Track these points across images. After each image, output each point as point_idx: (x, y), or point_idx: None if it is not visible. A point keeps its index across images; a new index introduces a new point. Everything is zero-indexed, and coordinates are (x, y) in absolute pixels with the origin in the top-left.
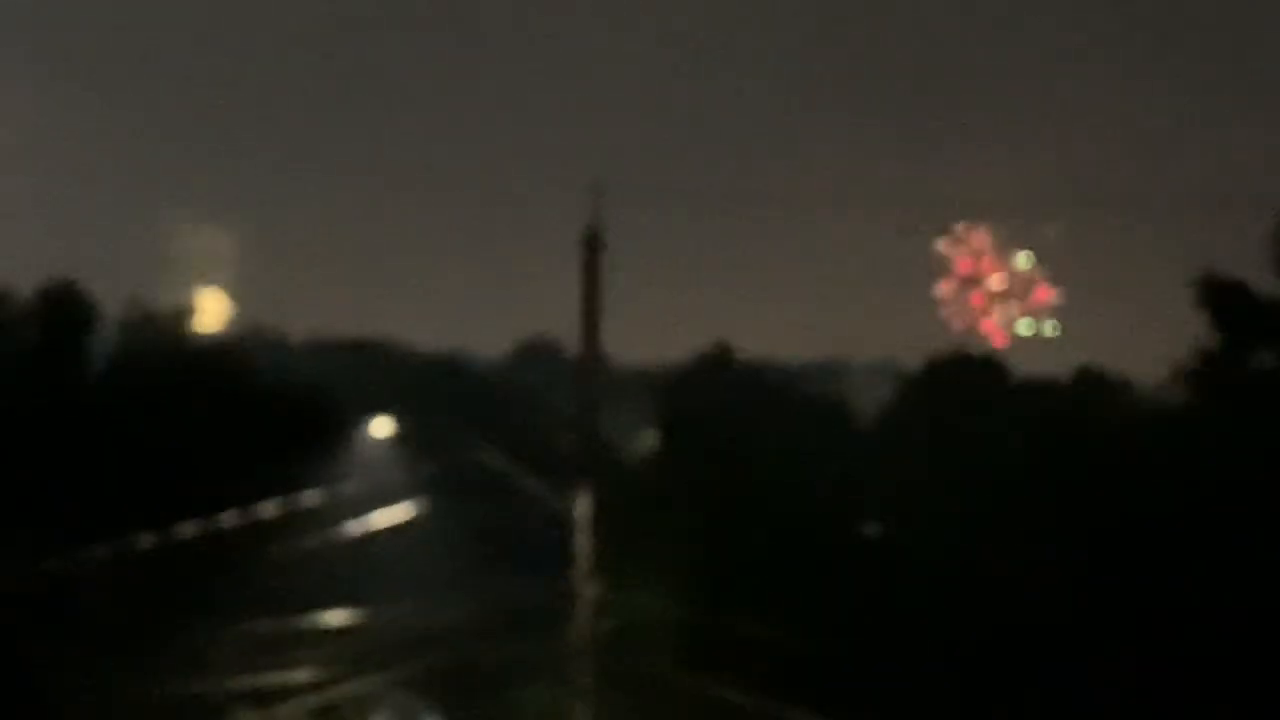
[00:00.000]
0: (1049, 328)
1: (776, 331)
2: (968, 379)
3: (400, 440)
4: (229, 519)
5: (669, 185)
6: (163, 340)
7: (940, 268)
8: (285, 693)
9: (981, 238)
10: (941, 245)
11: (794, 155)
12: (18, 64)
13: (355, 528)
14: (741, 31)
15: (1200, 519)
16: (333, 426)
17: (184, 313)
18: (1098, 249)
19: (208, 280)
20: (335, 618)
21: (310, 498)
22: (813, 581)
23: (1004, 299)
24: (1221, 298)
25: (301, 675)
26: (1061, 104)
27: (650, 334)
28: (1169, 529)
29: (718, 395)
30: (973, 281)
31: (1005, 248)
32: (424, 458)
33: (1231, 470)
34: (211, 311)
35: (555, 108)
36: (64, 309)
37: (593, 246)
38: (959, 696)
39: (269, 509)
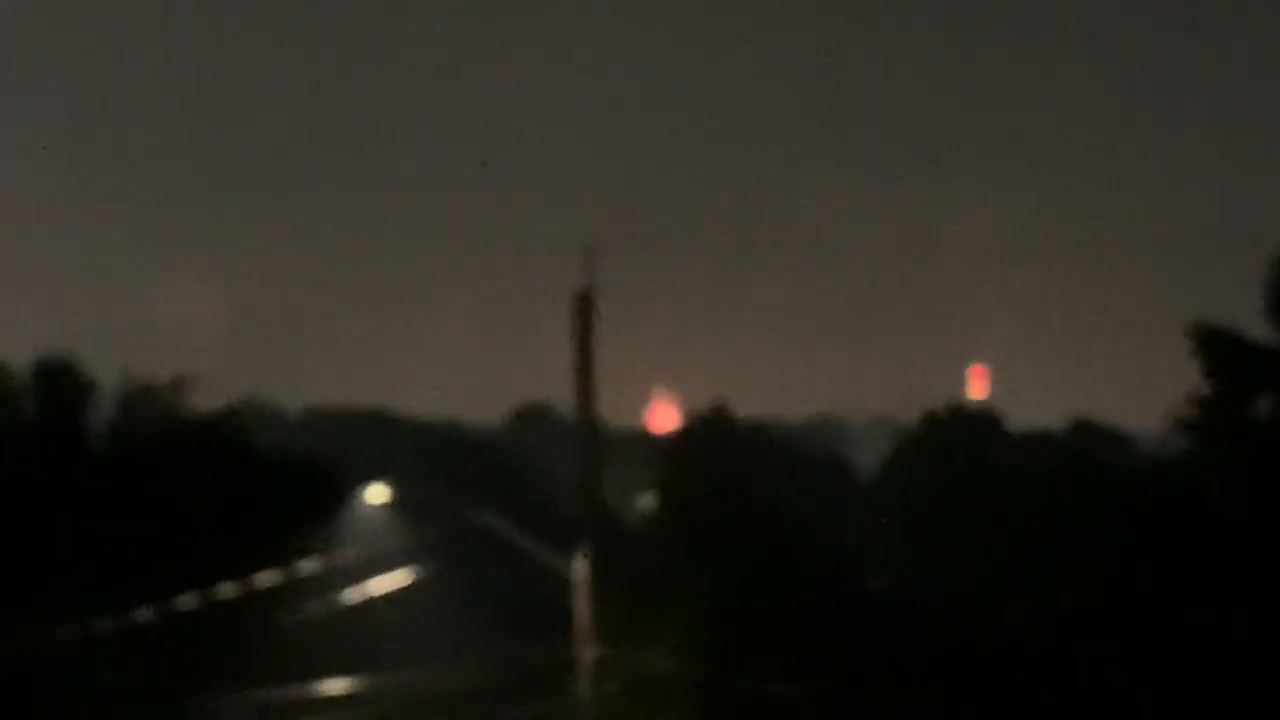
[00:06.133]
0: None
1: (773, 389)
2: (964, 433)
3: (398, 507)
4: (228, 589)
5: (660, 244)
6: (159, 412)
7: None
8: None
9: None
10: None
11: (788, 210)
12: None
13: (355, 595)
14: (733, 85)
15: (1202, 568)
16: (330, 495)
17: (180, 384)
18: (1090, 296)
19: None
20: (336, 686)
21: (309, 566)
22: (817, 637)
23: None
24: (1216, 345)
25: None
26: (1052, 151)
27: (647, 394)
28: (1171, 579)
29: (716, 455)
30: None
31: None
32: (422, 523)
33: (1233, 519)
34: None
35: (542, 167)
36: (60, 382)
37: (585, 307)
38: None
39: (268, 578)
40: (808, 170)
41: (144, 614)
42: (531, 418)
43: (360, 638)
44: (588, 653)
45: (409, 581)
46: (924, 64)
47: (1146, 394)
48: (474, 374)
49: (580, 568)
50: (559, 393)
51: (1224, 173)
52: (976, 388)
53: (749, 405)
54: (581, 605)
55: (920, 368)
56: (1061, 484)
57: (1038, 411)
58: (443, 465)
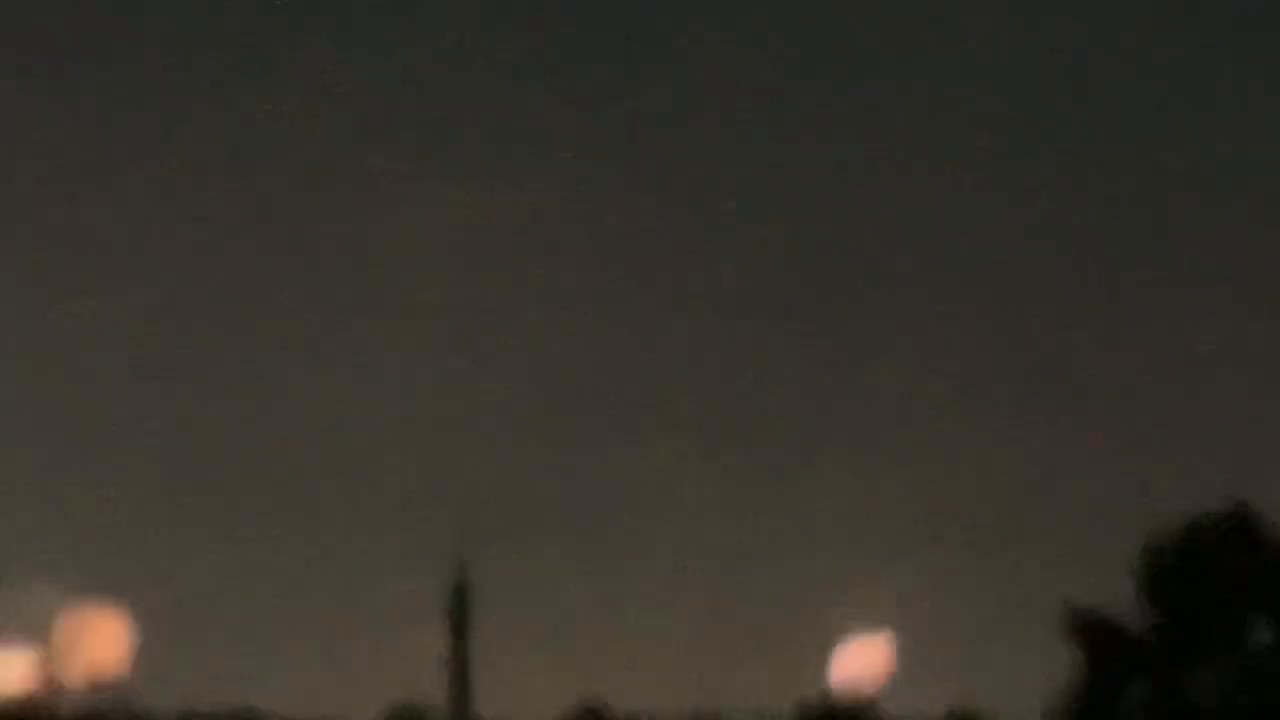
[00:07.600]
0: None
1: (649, 683)
2: None
3: None
4: None
5: (533, 531)
6: None
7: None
8: None
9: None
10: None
11: (657, 498)
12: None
13: None
14: (609, 364)
15: None
16: None
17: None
18: (960, 583)
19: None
20: None
21: None
22: None
23: None
24: (1087, 629)
25: None
26: (918, 440)
27: (523, 687)
28: None
29: None
30: None
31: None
32: None
33: None
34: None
35: (411, 458)
36: None
37: (461, 600)
38: None
39: None
40: (671, 458)
41: None
42: (405, 717)
43: None
44: None
45: None
46: (786, 349)
47: (1023, 680)
48: (343, 670)
49: None
50: (433, 689)
51: (1093, 459)
52: (844, 678)
53: (628, 698)
54: None
55: (792, 657)
56: None
57: (915, 700)
58: None
